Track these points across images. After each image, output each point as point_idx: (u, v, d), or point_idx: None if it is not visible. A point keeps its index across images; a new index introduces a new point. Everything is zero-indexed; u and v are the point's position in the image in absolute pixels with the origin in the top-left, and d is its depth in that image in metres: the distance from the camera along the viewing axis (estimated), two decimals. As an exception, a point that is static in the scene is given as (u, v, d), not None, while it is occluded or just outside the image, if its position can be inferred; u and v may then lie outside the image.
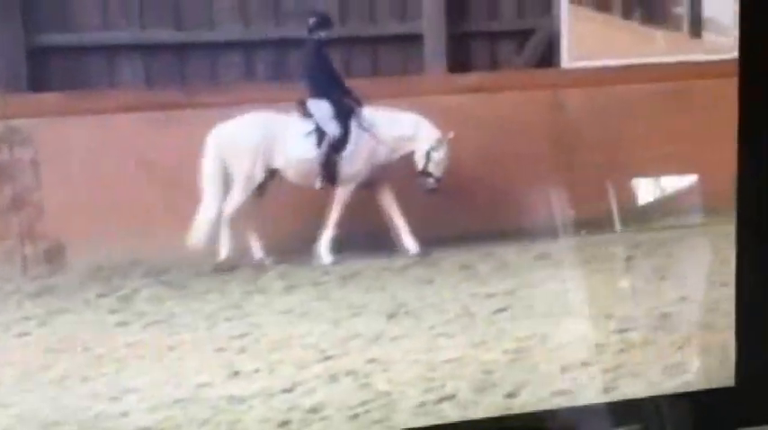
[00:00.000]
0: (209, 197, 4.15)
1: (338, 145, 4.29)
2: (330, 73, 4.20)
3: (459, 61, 4.34)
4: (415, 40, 4.28)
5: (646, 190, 4.33)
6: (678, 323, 3.79)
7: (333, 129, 4.28)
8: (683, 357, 3.60)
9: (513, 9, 4.33)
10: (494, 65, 4.41)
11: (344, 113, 4.29)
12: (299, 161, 4.29)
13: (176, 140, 4.08)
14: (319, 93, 4.23)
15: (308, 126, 4.28)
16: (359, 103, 4.26)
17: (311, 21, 4.17)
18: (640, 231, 4.34)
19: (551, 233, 4.23)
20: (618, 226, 4.31)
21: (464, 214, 4.28)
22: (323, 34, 4.14)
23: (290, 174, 4.30)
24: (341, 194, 4.27)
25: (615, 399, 3.55)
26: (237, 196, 4.24)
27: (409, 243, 4.22)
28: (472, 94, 4.29)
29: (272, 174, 4.29)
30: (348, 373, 3.57)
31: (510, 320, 3.86)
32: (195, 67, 4.14)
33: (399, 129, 4.32)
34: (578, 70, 4.33)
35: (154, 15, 3.96)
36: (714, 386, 3.56)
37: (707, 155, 4.25)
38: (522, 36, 4.34)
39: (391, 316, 3.91)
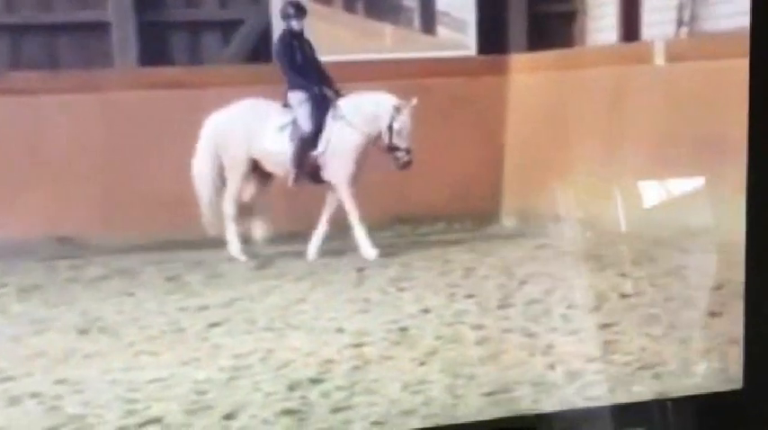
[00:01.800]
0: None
1: (310, 140, 4.53)
2: (307, 63, 4.41)
3: (153, 53, 4.38)
4: (100, 28, 4.28)
5: (377, 197, 4.50)
6: (419, 337, 3.85)
7: (305, 123, 4.52)
8: (425, 373, 3.66)
9: (216, -4, 4.46)
10: (195, 58, 4.47)
11: (321, 107, 4.52)
12: (273, 153, 4.54)
13: None
14: (296, 85, 4.47)
15: (286, 118, 4.53)
16: (338, 94, 4.52)
17: (285, 8, 4.39)
18: (373, 239, 4.50)
19: (272, 241, 4.31)
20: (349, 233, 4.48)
21: (167, 219, 4.28)
22: (295, 23, 4.38)
23: (268, 165, 4.57)
24: (341, 194, 4.57)
25: (621, 402, 3.61)
26: (230, 185, 4.51)
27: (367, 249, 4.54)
28: (169, 90, 4.33)
29: (254, 164, 4.56)
30: (32, 396, 3.47)
31: (226, 335, 3.90)
32: None
33: (365, 109, 4.58)
34: (296, 66, 4.48)
35: None
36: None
37: (443, 160, 4.49)
38: (228, 27, 4.44)
39: (83, 332, 3.88)
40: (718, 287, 4.14)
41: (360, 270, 4.43)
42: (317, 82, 4.46)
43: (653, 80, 4.65)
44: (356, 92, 4.52)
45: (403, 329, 3.97)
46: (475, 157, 4.58)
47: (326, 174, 4.56)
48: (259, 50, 4.44)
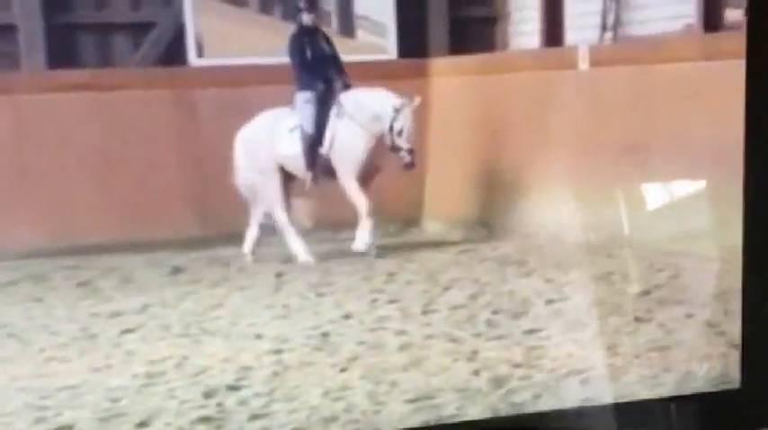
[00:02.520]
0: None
1: (315, 139, 4.63)
2: (320, 59, 4.53)
3: (62, 56, 4.39)
4: (6, 31, 4.31)
5: (295, 202, 4.57)
6: (340, 343, 3.90)
7: (308, 123, 4.62)
8: (346, 379, 3.67)
9: (127, -1, 4.49)
10: (106, 60, 4.50)
11: (325, 104, 4.61)
12: (287, 157, 4.68)
13: None
14: (303, 84, 4.58)
15: (295, 119, 4.65)
16: (348, 88, 4.64)
17: (295, 2, 4.50)
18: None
19: (186, 246, 4.33)
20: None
21: (79, 224, 4.29)
22: (305, 17, 4.50)
23: (291, 169, 4.71)
24: (348, 190, 4.67)
25: (621, 401, 3.60)
26: (271, 193, 4.67)
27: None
28: (78, 93, 4.36)
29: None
30: (-62, 402, 3.43)
31: (140, 342, 3.91)
32: None
33: (366, 106, 4.66)
34: (210, 69, 4.52)
35: None
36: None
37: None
38: (140, 30, 4.48)
39: (-11, 338, 3.88)
40: (646, 293, 4.21)
41: (279, 275, 4.49)
42: (325, 78, 4.57)
43: (577, 85, 4.74)
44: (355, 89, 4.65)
45: (324, 335, 4.00)
46: (396, 162, 4.63)
47: (337, 170, 4.66)
48: (172, 53, 4.45)
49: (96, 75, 4.38)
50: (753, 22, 3.26)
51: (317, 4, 4.45)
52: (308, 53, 4.49)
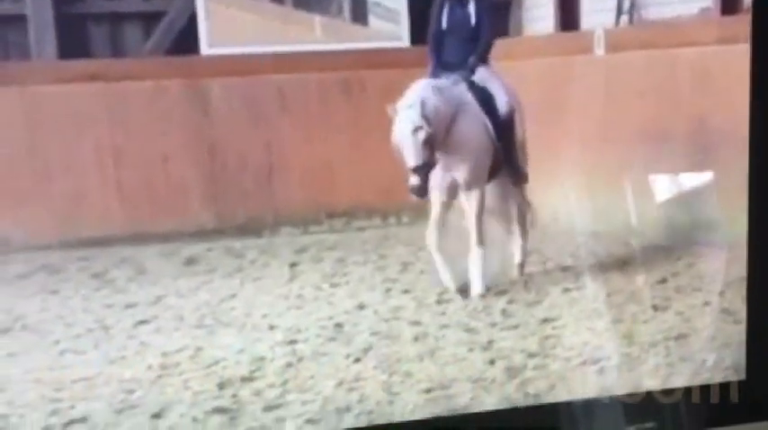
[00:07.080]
0: None
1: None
2: (456, 30, 4.35)
3: (73, 46, 4.53)
4: (17, 21, 4.46)
5: (311, 189, 4.68)
6: (354, 333, 4.06)
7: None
8: (360, 370, 3.82)
9: (137, -12, 4.63)
10: (117, 51, 4.64)
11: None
12: None
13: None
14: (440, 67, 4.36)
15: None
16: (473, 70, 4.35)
17: None
18: (305, 234, 4.66)
19: (198, 236, 4.47)
20: (280, 228, 4.65)
21: (91, 216, 4.44)
22: None
23: None
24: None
25: (627, 392, 3.74)
26: None
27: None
28: (89, 84, 4.49)
29: None
30: (-46, 395, 3.58)
31: (154, 333, 4.06)
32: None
33: None
34: (221, 58, 4.64)
35: None
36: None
37: (379, 152, 4.66)
38: (150, 19, 4.62)
39: (6, 331, 4.03)
40: (662, 281, 4.34)
41: (292, 265, 4.61)
42: (449, 54, 4.35)
43: (593, 71, 4.84)
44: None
45: (338, 325, 4.13)
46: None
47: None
48: (184, 42, 4.57)
49: (107, 65, 4.48)
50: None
51: None
52: (444, 22, 4.26)
